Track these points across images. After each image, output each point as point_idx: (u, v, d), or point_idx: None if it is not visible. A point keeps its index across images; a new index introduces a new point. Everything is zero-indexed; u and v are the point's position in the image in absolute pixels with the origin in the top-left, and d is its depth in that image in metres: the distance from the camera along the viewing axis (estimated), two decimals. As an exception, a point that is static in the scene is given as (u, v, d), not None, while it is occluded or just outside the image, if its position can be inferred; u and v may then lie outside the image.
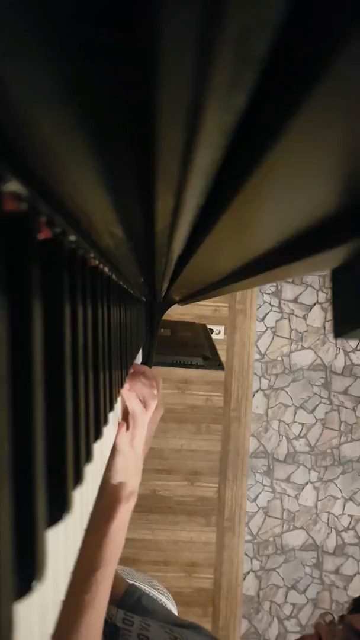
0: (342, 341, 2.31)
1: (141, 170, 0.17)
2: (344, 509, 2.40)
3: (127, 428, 0.64)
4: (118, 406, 0.57)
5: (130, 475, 0.65)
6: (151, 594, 0.83)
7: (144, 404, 0.66)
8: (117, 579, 0.77)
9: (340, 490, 2.39)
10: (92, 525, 0.61)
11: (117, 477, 0.64)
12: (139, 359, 0.90)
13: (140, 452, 0.67)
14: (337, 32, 0.09)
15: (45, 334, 0.20)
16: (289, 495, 2.38)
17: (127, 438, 0.63)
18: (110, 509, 0.63)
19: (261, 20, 0.09)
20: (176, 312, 1.94)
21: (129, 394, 0.64)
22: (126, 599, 0.77)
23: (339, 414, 2.39)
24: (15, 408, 0.16)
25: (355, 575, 2.40)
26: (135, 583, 0.82)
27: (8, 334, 0.16)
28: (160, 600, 0.85)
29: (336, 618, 0.79)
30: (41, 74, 0.11)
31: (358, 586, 2.39)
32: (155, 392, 0.68)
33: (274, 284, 2.33)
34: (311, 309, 2.36)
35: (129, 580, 0.82)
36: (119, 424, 0.60)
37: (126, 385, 0.65)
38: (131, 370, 0.70)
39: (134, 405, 0.65)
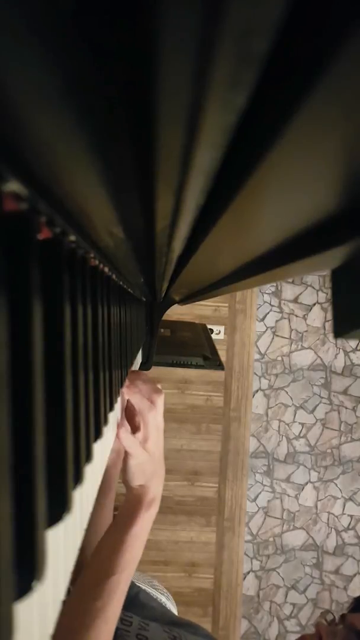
0: (342, 341, 2.31)
1: (141, 170, 0.17)
2: (344, 509, 2.40)
3: (136, 430, 0.62)
4: (118, 406, 0.57)
5: (148, 478, 0.64)
6: (151, 594, 0.83)
7: (150, 400, 0.64)
8: None
9: (340, 490, 2.39)
10: (111, 531, 0.60)
11: (134, 480, 0.63)
12: (139, 358, 0.90)
13: (157, 454, 0.65)
14: (337, 32, 0.09)
15: (45, 334, 0.20)
16: (289, 495, 2.38)
17: (138, 440, 0.62)
18: (130, 515, 0.61)
19: (261, 20, 0.09)
20: (176, 312, 1.94)
21: (133, 393, 0.62)
22: None
23: (339, 414, 2.39)
24: (16, 408, 0.16)
25: (355, 575, 2.40)
26: (134, 581, 0.82)
27: (8, 334, 0.16)
28: (160, 600, 0.85)
29: (337, 617, 0.79)
30: (41, 73, 0.11)
31: (358, 586, 2.39)
32: (158, 386, 0.67)
33: (274, 284, 2.33)
34: (311, 309, 2.36)
35: None
36: (118, 425, 0.58)
37: (126, 384, 0.64)
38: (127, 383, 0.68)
39: (140, 403, 0.63)
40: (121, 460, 0.65)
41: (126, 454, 0.62)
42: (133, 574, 0.59)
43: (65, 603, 0.54)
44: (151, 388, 0.65)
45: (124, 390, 0.62)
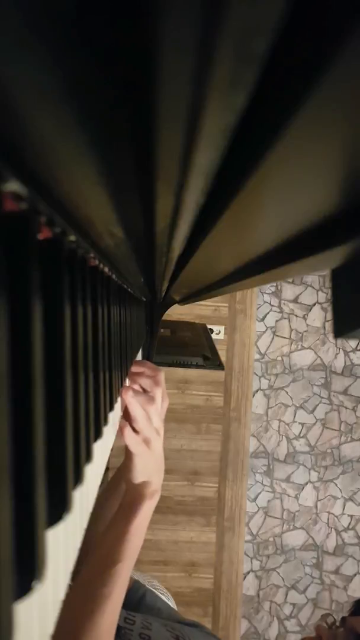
0: (342, 341, 2.31)
1: (141, 170, 0.17)
2: (344, 509, 2.40)
3: (139, 429, 0.63)
4: (118, 406, 0.57)
5: (151, 473, 0.65)
6: (155, 594, 0.83)
7: (151, 396, 0.64)
8: None
9: (340, 490, 2.39)
10: (115, 520, 0.63)
11: (138, 477, 0.65)
12: (139, 358, 0.90)
13: (158, 450, 0.66)
14: (337, 32, 0.09)
15: (45, 334, 0.20)
16: (289, 495, 2.38)
17: (140, 439, 0.63)
18: (133, 506, 0.63)
19: (261, 20, 0.09)
20: (176, 312, 1.94)
21: (131, 398, 0.62)
22: (130, 596, 0.76)
23: (339, 414, 2.39)
24: (16, 408, 0.16)
25: (355, 575, 2.40)
26: (141, 582, 0.82)
27: (8, 334, 0.16)
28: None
29: (337, 620, 0.79)
30: (41, 73, 0.11)
31: (358, 586, 2.39)
32: (158, 383, 0.67)
33: (274, 284, 2.33)
34: (311, 309, 2.36)
35: (133, 577, 0.82)
36: (120, 424, 0.59)
37: (127, 384, 0.64)
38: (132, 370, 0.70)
39: (143, 402, 0.63)
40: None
41: (131, 453, 0.63)
42: (135, 560, 0.61)
43: (70, 592, 0.55)
44: (152, 382, 0.66)
45: (124, 393, 0.62)
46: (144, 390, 0.66)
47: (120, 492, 0.75)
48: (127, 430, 0.61)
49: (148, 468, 0.65)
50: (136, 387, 0.65)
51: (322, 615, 0.83)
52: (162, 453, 0.67)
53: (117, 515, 0.64)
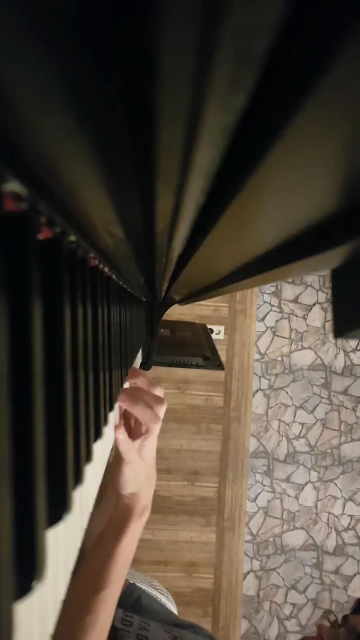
0: (342, 341, 2.31)
1: (141, 170, 0.17)
2: (344, 509, 2.40)
3: (135, 436, 0.60)
4: (118, 406, 0.57)
5: (141, 485, 0.62)
6: (151, 594, 0.83)
7: (154, 412, 0.60)
8: None
9: (340, 490, 2.39)
10: (101, 540, 0.58)
11: (127, 488, 0.61)
12: (139, 358, 0.90)
13: (151, 460, 0.63)
14: (337, 32, 0.09)
15: (45, 334, 0.20)
16: (289, 495, 2.38)
17: (135, 447, 0.60)
18: (121, 524, 0.60)
19: (261, 19, 0.09)
20: (176, 312, 1.94)
21: (135, 405, 0.59)
22: (125, 598, 0.75)
23: (339, 414, 2.39)
24: (16, 408, 0.16)
25: (355, 575, 2.40)
26: (136, 583, 0.82)
27: (8, 334, 0.16)
28: (160, 600, 0.85)
29: (339, 618, 0.79)
30: (41, 73, 0.11)
31: (358, 586, 2.39)
32: (160, 390, 0.63)
33: (274, 284, 2.33)
34: (311, 309, 2.36)
35: (129, 580, 0.82)
36: (115, 427, 0.55)
37: (126, 390, 0.62)
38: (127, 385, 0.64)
39: (144, 415, 0.59)
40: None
41: (121, 460, 0.60)
42: (123, 582, 0.57)
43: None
44: (154, 398, 0.61)
45: (125, 403, 0.59)
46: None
47: (104, 501, 0.71)
48: (120, 433, 0.57)
49: (138, 478, 0.61)
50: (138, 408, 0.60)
51: (324, 611, 0.82)
52: (154, 464, 0.64)
53: (104, 534, 0.60)
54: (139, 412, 0.59)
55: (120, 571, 0.56)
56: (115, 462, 0.61)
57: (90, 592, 0.53)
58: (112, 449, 0.55)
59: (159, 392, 0.63)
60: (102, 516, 0.68)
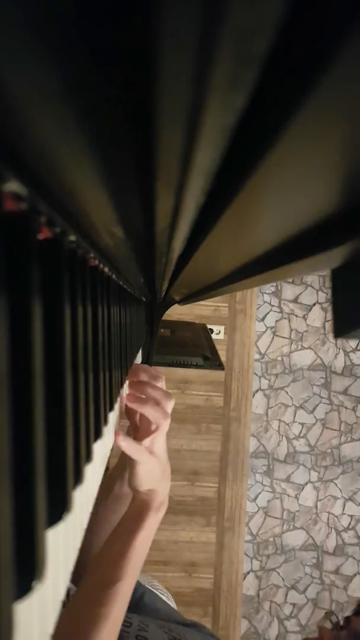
0: (342, 341, 2.31)
1: (141, 170, 0.17)
2: (344, 509, 2.40)
3: (145, 435, 0.60)
4: (117, 406, 0.57)
5: (157, 481, 0.62)
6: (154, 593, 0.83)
7: (163, 409, 0.60)
8: None
9: (340, 490, 2.39)
10: (117, 533, 0.59)
11: (144, 486, 0.61)
12: (139, 359, 0.90)
13: (163, 455, 0.63)
14: (337, 32, 0.09)
15: (45, 334, 0.20)
16: (289, 495, 2.38)
17: (145, 446, 0.59)
18: (138, 519, 0.60)
19: (261, 19, 0.09)
20: (176, 312, 1.94)
21: (144, 404, 0.59)
22: None
23: (339, 414, 2.39)
24: (16, 408, 0.16)
25: (355, 575, 2.40)
26: (140, 582, 0.81)
27: (8, 334, 0.16)
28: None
29: (341, 619, 0.79)
30: (41, 73, 0.11)
31: (358, 586, 2.39)
32: (164, 391, 0.63)
33: (274, 284, 2.33)
34: (311, 309, 2.36)
35: None
36: (115, 434, 0.52)
37: (131, 387, 0.62)
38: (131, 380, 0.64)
39: (154, 413, 0.59)
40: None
41: (133, 460, 0.59)
42: (138, 576, 0.58)
43: (68, 607, 0.53)
44: (161, 394, 0.61)
45: (134, 403, 0.59)
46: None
47: (112, 498, 0.71)
48: (121, 440, 0.55)
49: (154, 475, 0.61)
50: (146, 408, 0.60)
51: (325, 613, 0.82)
52: (166, 458, 0.64)
53: (120, 527, 0.60)
54: (148, 411, 0.59)
55: (135, 565, 0.57)
56: (128, 463, 0.61)
57: (105, 584, 0.53)
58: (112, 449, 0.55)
59: (161, 383, 0.64)
60: (113, 511, 0.68)
